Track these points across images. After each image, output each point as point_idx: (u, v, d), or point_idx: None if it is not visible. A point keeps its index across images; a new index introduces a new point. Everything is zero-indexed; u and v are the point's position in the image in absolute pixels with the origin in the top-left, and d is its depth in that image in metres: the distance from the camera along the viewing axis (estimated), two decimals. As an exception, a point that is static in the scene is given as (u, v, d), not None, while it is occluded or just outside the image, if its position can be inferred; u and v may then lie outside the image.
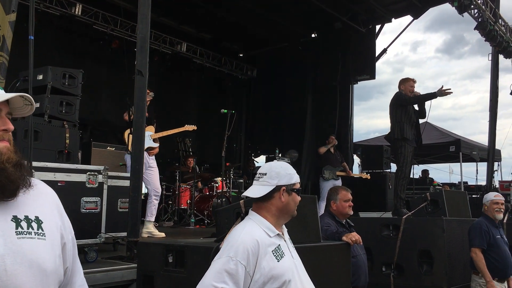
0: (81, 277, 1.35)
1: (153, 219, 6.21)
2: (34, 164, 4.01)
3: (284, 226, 2.25)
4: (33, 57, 3.42)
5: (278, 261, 2.00)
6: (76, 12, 10.15)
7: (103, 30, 10.74)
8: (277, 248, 2.04)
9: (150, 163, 6.10)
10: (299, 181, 2.22)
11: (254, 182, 2.21)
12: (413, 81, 6.53)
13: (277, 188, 2.12)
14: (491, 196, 4.82)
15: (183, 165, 10.07)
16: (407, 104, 6.35)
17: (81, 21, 10.35)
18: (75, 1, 10.12)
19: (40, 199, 1.26)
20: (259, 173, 2.20)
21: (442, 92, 6.08)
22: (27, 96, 1.25)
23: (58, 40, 10.02)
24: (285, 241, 2.14)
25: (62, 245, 1.25)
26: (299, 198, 2.19)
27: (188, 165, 10.02)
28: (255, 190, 2.15)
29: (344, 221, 4.21)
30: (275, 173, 2.15)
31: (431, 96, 6.21)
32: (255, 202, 2.18)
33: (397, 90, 6.56)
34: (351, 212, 4.24)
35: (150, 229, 6.06)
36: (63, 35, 10.21)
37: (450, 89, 6.04)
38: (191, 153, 11.47)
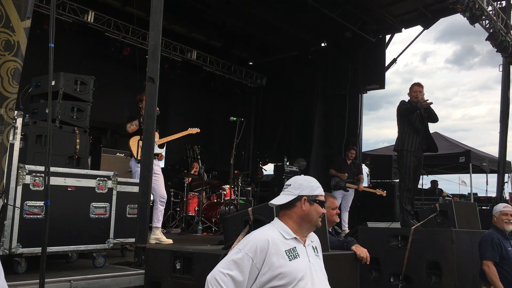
0: (2, 279, 1.37)
1: (160, 225, 6.24)
2: (43, 168, 4.03)
3: (313, 236, 2.46)
4: (53, 64, 3.46)
5: (290, 261, 2.19)
6: (89, 20, 10.27)
7: (115, 38, 10.86)
8: (292, 249, 2.23)
9: (155, 169, 6.12)
10: (322, 194, 2.42)
11: (281, 192, 2.43)
12: (417, 85, 6.33)
13: (299, 198, 2.34)
14: (500, 207, 4.76)
15: (191, 172, 10.10)
16: (401, 115, 6.30)
17: (93, 28, 10.47)
18: (88, 8, 10.25)
19: None
20: (285, 185, 2.43)
21: (422, 104, 6.08)
22: None
23: (71, 46, 10.13)
24: (304, 246, 2.32)
25: None
26: (322, 209, 2.38)
27: (192, 170, 10.04)
28: (280, 199, 2.38)
29: (331, 228, 4.18)
30: (298, 184, 2.38)
31: (415, 108, 6.17)
32: (281, 210, 2.40)
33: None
34: (338, 220, 4.26)
35: (158, 236, 6.07)
36: (75, 42, 10.33)
37: (427, 100, 6.08)
38: (199, 159, 11.50)
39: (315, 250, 2.41)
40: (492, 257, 4.42)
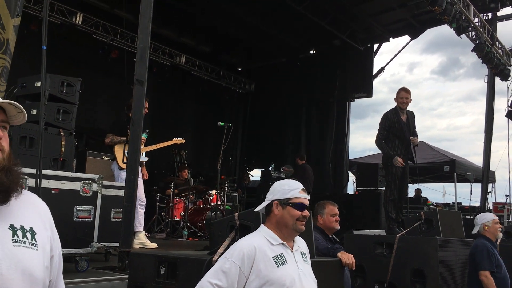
0: (60, 277, 1.41)
1: (142, 228, 6.16)
2: (29, 170, 3.98)
3: (300, 241, 2.43)
4: (45, 67, 3.43)
5: (278, 267, 2.18)
6: (77, 21, 10.20)
7: (103, 40, 10.79)
8: (279, 256, 2.22)
9: None
10: (297, 196, 2.33)
11: None
12: (405, 91, 6.22)
13: (271, 203, 2.34)
14: (491, 216, 4.75)
15: (177, 177, 10.03)
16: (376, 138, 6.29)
17: (81, 30, 10.39)
18: (76, 10, 10.18)
19: (34, 211, 1.33)
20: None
21: (394, 162, 6.05)
22: (16, 104, 1.30)
23: (58, 48, 10.01)
24: (292, 252, 2.30)
25: (50, 258, 1.31)
26: (300, 212, 2.30)
27: (183, 177, 9.98)
28: (259, 206, 2.41)
29: (331, 236, 4.18)
30: (272, 189, 2.40)
31: (390, 157, 6.10)
32: (265, 216, 2.42)
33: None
34: (338, 227, 4.22)
35: (142, 240, 6.01)
36: (63, 44, 10.23)
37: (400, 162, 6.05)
38: (186, 165, 11.43)
39: (303, 255, 2.38)
40: (489, 268, 4.36)
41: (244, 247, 2.18)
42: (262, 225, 2.40)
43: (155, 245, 6.03)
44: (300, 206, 2.30)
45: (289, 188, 2.34)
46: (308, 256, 2.45)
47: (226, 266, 2.13)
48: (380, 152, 6.69)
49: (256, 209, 2.41)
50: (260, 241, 2.24)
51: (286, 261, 2.21)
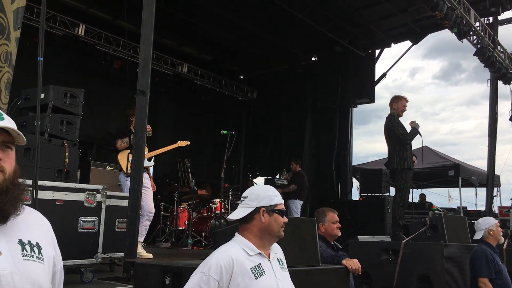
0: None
1: (142, 239, 6.13)
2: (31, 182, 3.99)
3: (276, 247, 2.35)
4: (41, 78, 3.45)
5: (256, 279, 2.10)
6: (79, 33, 10.26)
7: (106, 51, 10.85)
8: (257, 267, 2.14)
9: (145, 183, 6.04)
10: (281, 202, 2.31)
11: (238, 206, 2.33)
12: (406, 100, 6.43)
13: (257, 210, 2.24)
14: (494, 220, 4.71)
15: (182, 186, 10.04)
16: (402, 140, 6.29)
17: (84, 41, 10.46)
18: (79, 21, 10.25)
19: (38, 227, 1.43)
20: (242, 197, 2.33)
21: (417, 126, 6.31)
22: (12, 130, 1.36)
23: (61, 59, 10.10)
24: (269, 261, 2.22)
25: (53, 273, 1.40)
26: (282, 219, 2.27)
27: (204, 194, 10.00)
28: (237, 213, 2.27)
29: (333, 242, 4.17)
30: (255, 195, 2.28)
31: (416, 132, 6.29)
32: (240, 224, 2.30)
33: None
34: (339, 234, 4.21)
35: (138, 249, 5.95)
36: (65, 55, 10.30)
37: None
38: (189, 173, 11.43)
39: (280, 262, 2.31)
40: (488, 274, 4.32)
41: (221, 260, 2.08)
42: (237, 234, 2.29)
43: (150, 255, 5.95)
44: (283, 213, 2.29)
45: (273, 194, 2.29)
46: (285, 262, 2.37)
47: (204, 282, 2.04)
48: (384, 157, 6.69)
49: (235, 217, 2.26)
50: (237, 252, 2.15)
51: (264, 272, 2.14)
